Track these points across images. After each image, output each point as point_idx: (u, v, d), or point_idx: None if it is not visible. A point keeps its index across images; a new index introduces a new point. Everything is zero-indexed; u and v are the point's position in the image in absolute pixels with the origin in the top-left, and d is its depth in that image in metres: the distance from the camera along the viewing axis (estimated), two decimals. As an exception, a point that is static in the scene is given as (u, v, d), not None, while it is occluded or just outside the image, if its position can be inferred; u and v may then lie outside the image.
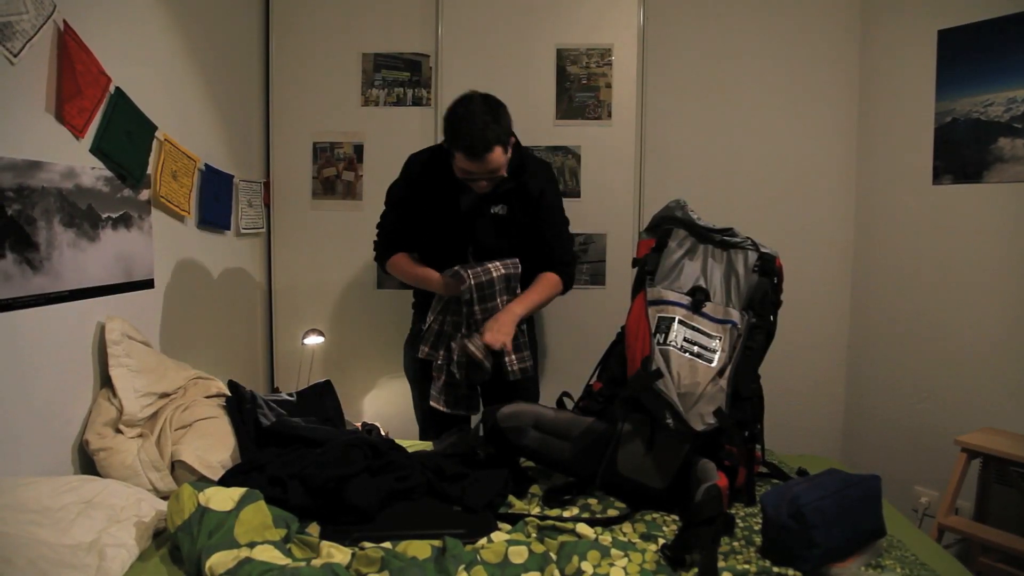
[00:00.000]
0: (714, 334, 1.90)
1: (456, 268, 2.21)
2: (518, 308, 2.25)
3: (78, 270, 1.93)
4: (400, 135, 3.08)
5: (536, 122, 3.05)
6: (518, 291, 2.28)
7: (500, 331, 2.17)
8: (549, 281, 2.36)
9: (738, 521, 1.72)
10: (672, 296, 1.96)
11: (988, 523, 2.31)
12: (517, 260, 2.28)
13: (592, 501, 1.84)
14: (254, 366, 3.12)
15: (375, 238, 2.48)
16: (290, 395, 2.33)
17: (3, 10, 1.63)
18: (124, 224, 2.13)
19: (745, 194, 3.05)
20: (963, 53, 2.51)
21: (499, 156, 2.11)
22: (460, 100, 2.13)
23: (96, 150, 1.99)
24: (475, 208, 2.27)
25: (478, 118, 2.05)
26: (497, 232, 2.29)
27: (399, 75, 3.09)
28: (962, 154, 2.52)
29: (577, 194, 3.05)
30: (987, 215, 2.46)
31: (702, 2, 3.04)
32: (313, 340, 2.99)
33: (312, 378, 2.83)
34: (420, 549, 1.51)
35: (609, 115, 3.03)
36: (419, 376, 2.44)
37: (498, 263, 2.24)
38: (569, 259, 2.42)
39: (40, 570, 1.33)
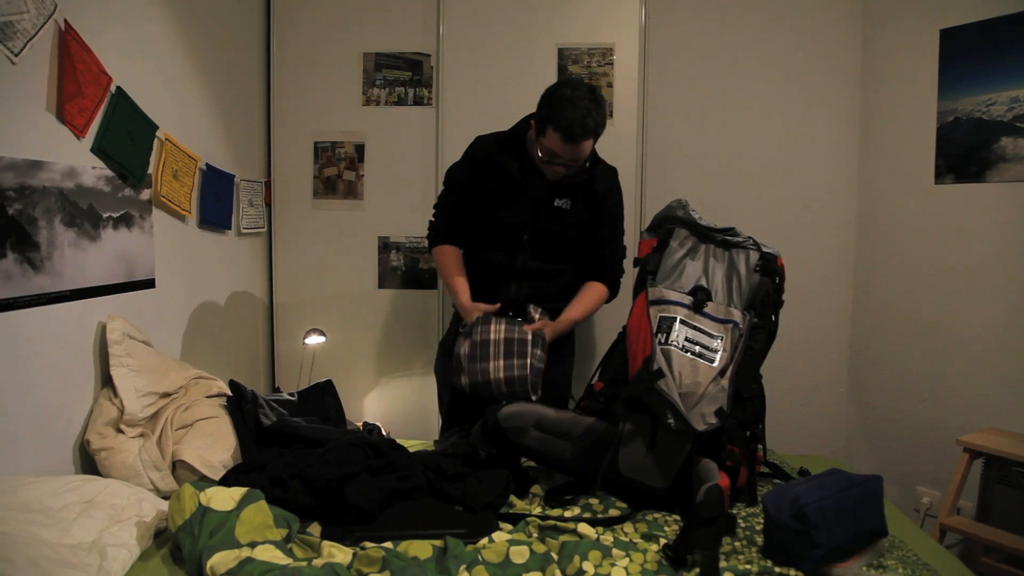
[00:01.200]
0: (716, 334, 1.90)
1: (470, 332, 2.13)
2: (560, 326, 2.23)
3: (79, 270, 1.93)
4: (401, 135, 3.08)
5: (537, 121, 3.04)
6: (528, 352, 2.08)
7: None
8: (595, 291, 2.32)
9: (740, 521, 1.72)
10: (674, 296, 1.96)
11: (990, 523, 2.31)
12: (535, 334, 2.12)
13: (593, 501, 1.84)
14: (255, 366, 3.12)
15: (431, 217, 2.45)
16: (291, 395, 2.32)
17: (4, 9, 1.63)
18: (125, 224, 2.13)
19: (747, 193, 3.04)
20: (965, 52, 2.51)
21: (589, 147, 2.12)
22: (565, 82, 2.15)
23: (97, 150, 1.99)
24: (540, 198, 2.25)
25: (582, 103, 2.04)
26: (558, 224, 2.27)
27: (400, 74, 3.08)
28: (964, 153, 2.52)
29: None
30: (989, 215, 2.46)
31: (704, 1, 3.03)
32: (314, 340, 2.99)
33: (313, 378, 2.82)
34: (421, 549, 1.51)
35: (611, 115, 3.02)
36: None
37: (505, 328, 2.10)
38: (619, 268, 2.37)
39: (41, 569, 1.33)
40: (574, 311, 2.28)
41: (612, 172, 2.35)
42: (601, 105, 2.10)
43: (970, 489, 2.35)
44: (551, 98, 2.10)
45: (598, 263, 2.34)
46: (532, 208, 2.25)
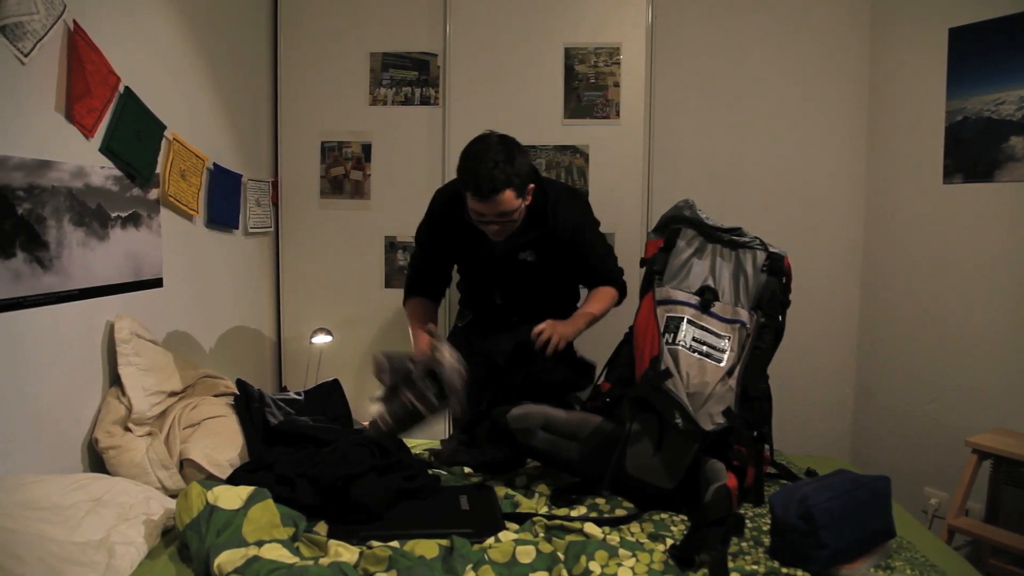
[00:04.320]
0: (723, 334, 1.89)
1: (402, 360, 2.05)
2: (580, 322, 2.16)
3: (87, 269, 1.94)
4: (408, 134, 3.09)
5: (544, 121, 3.04)
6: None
7: (557, 331, 2.07)
8: (606, 293, 2.27)
9: (747, 522, 1.71)
10: (681, 296, 1.96)
11: (998, 525, 2.30)
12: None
13: (600, 501, 1.83)
14: (262, 365, 3.13)
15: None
16: (298, 394, 2.33)
17: (14, 10, 1.64)
18: (133, 223, 2.14)
19: (754, 193, 3.03)
20: (974, 51, 2.49)
21: (509, 199, 1.99)
22: (476, 138, 2.05)
23: (105, 149, 2.00)
24: (504, 254, 2.19)
25: (489, 157, 1.95)
26: (526, 279, 2.23)
27: (407, 74, 3.09)
28: (973, 153, 2.50)
29: (585, 193, 3.05)
30: (998, 214, 2.44)
31: (711, 0, 3.03)
32: (321, 339, 3.00)
33: (320, 377, 2.83)
34: (427, 548, 1.51)
35: (617, 114, 3.02)
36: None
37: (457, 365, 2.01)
38: (617, 275, 2.32)
39: (50, 567, 1.34)
40: (591, 307, 2.22)
41: (572, 203, 2.25)
42: (513, 154, 1.99)
43: (978, 490, 2.34)
44: (462, 156, 2.02)
45: (597, 280, 2.30)
46: (498, 264, 2.21)
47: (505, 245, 2.15)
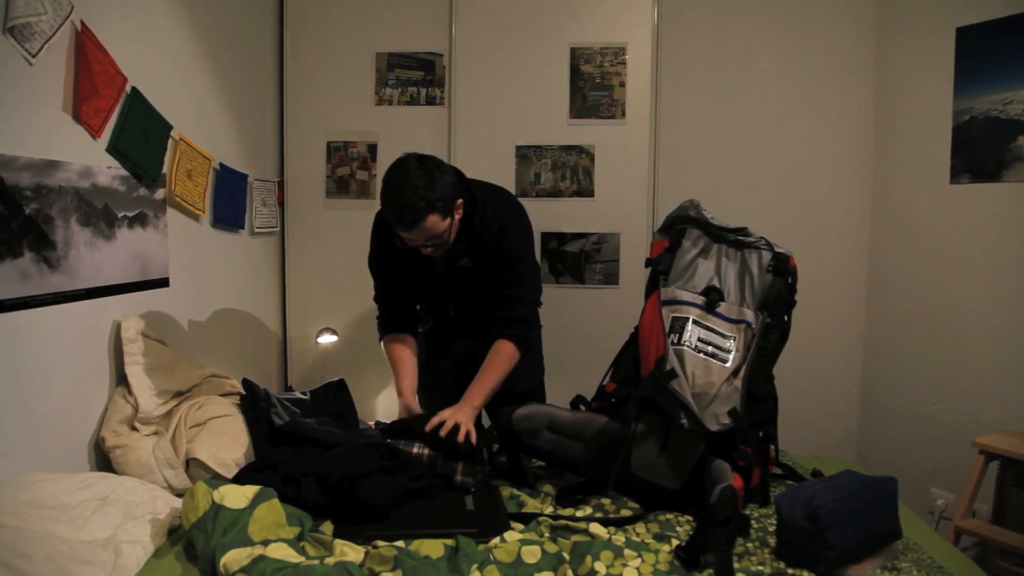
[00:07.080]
0: (728, 334, 1.89)
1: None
2: (477, 400, 2.01)
3: (94, 268, 1.94)
4: (414, 134, 3.09)
5: (549, 121, 3.04)
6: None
7: (459, 420, 1.93)
8: (503, 356, 2.07)
9: (752, 522, 1.71)
10: (686, 296, 1.95)
11: (1006, 526, 2.29)
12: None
13: (605, 501, 1.83)
14: (268, 364, 3.14)
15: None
16: (303, 394, 2.33)
17: (22, 11, 1.64)
18: (140, 223, 2.15)
19: (760, 193, 3.03)
20: (982, 51, 2.48)
21: (435, 223, 1.92)
22: (394, 164, 1.96)
23: (112, 149, 2.00)
24: (446, 263, 2.14)
25: (408, 185, 1.87)
26: (468, 285, 2.17)
27: (413, 74, 3.09)
28: (980, 153, 2.49)
29: (591, 193, 3.05)
30: (1005, 214, 2.43)
31: (717, 0, 3.02)
32: (327, 339, 3.00)
33: (326, 377, 2.83)
34: (433, 548, 1.51)
35: (623, 114, 3.02)
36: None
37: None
38: (527, 316, 2.12)
39: (57, 566, 1.35)
40: (486, 382, 2.04)
41: (500, 210, 2.13)
42: (433, 177, 1.90)
43: (985, 491, 2.33)
44: (383, 184, 1.94)
45: (501, 309, 2.10)
46: (444, 275, 2.16)
47: (446, 255, 2.10)
